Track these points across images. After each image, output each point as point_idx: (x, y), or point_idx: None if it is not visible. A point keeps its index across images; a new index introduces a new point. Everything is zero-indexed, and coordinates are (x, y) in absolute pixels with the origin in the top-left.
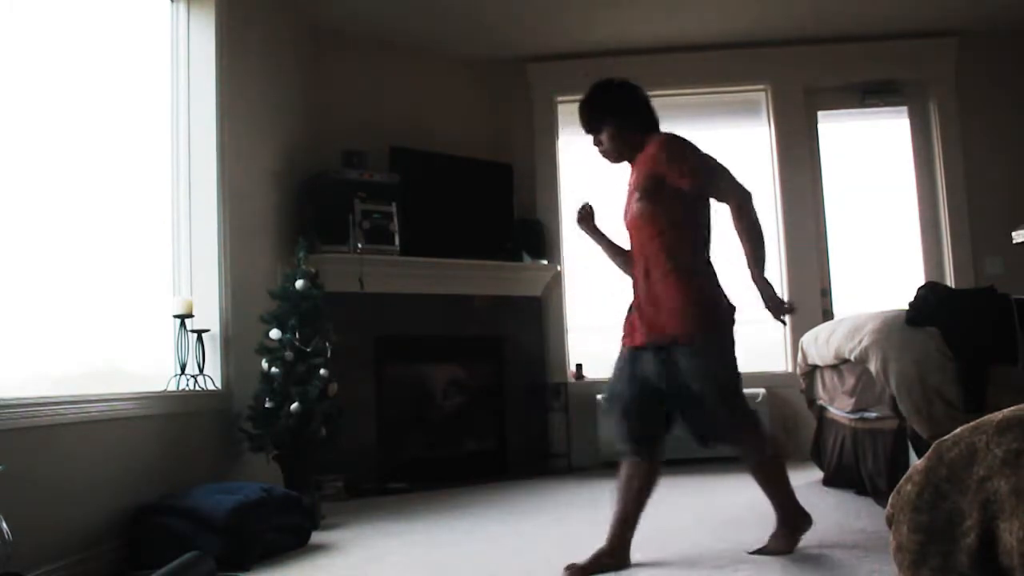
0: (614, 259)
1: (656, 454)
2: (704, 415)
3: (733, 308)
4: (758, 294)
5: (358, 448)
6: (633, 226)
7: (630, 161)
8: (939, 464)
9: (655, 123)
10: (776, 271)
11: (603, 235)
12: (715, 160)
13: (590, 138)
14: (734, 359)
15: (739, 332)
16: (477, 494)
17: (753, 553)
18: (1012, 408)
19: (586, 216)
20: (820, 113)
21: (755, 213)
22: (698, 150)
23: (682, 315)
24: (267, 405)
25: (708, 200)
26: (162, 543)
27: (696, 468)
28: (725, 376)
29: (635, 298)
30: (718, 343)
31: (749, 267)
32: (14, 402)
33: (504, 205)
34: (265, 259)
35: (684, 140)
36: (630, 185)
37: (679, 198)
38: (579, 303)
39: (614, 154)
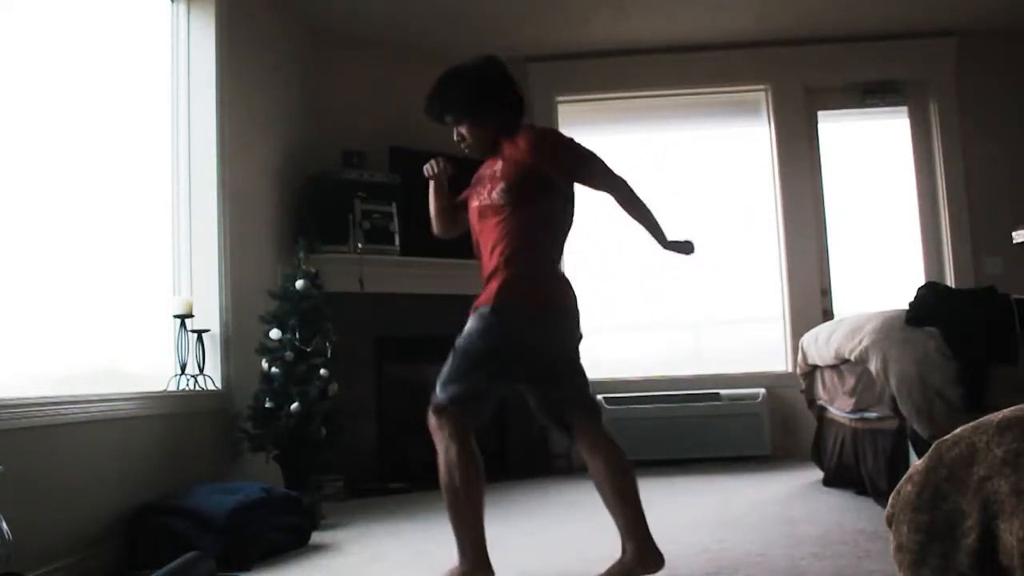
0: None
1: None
2: None
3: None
4: (677, 254)
5: (358, 448)
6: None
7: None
8: (939, 464)
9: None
10: (777, 271)
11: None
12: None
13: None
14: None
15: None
16: None
17: None
18: (1012, 408)
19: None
20: (820, 113)
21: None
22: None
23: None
24: (267, 405)
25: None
26: (162, 543)
27: (695, 468)
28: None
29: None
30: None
31: (658, 240)
32: (14, 402)
33: None
34: (265, 259)
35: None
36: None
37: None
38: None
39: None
